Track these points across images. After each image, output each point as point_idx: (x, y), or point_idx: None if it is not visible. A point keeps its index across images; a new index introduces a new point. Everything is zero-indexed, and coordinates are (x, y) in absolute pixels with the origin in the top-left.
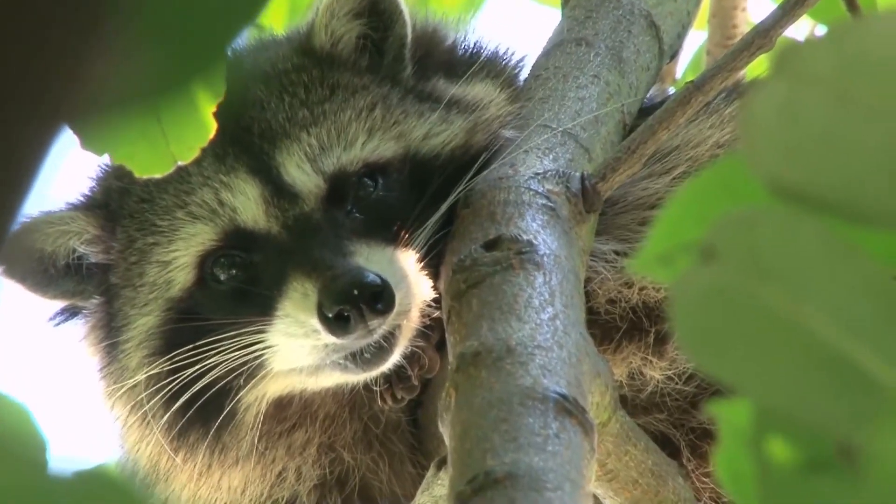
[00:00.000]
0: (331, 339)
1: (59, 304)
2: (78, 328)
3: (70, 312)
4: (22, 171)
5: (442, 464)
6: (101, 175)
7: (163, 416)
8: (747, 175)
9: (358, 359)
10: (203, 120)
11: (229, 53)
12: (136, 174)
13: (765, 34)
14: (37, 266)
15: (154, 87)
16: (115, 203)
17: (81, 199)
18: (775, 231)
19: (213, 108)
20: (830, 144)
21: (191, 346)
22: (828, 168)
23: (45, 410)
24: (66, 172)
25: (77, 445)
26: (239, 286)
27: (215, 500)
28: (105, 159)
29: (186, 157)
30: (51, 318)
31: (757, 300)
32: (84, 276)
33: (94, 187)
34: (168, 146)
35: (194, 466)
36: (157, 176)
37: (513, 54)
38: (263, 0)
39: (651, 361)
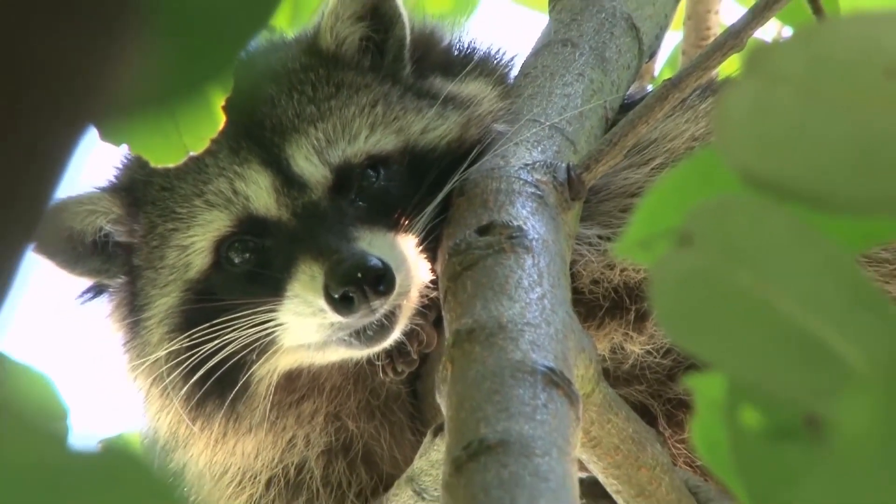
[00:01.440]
0: (336, 317)
1: (85, 282)
2: (103, 305)
3: (96, 290)
4: (53, 161)
5: (438, 431)
6: (125, 164)
7: (182, 388)
8: (721, 166)
9: (361, 336)
10: (213, 113)
11: (242, 54)
12: (152, 163)
13: (736, 36)
14: (66, 243)
15: (171, 87)
16: (139, 190)
17: (108, 182)
18: (747, 218)
19: (222, 103)
20: (798, 138)
21: (207, 323)
22: (795, 160)
23: (69, 381)
24: (91, 160)
25: (100, 415)
26: (251, 269)
27: (230, 465)
28: (123, 149)
29: (198, 147)
30: (78, 296)
31: (730, 282)
32: (109, 255)
33: (119, 174)
34: (181, 138)
35: (211, 434)
36: (171, 165)
37: (504, 54)
38: (273, 7)
39: (631, 337)
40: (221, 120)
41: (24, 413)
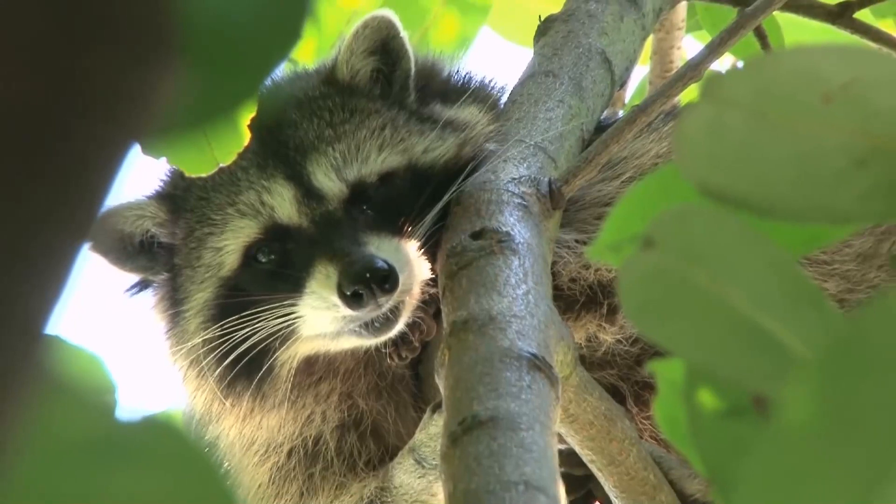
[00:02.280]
0: (348, 312)
1: (133, 278)
2: (148, 298)
3: (142, 285)
4: (104, 171)
5: (437, 408)
6: (169, 176)
7: (215, 371)
8: (680, 180)
9: (370, 327)
10: (239, 131)
11: (269, 83)
12: (186, 173)
13: (695, 68)
14: (117, 243)
15: (202, 110)
16: (180, 199)
17: (154, 191)
18: (703, 224)
19: (247, 122)
20: (746, 155)
21: (237, 315)
22: (745, 174)
23: (119, 362)
24: (136, 172)
25: (146, 394)
26: (275, 269)
27: (257, 437)
28: (163, 162)
29: (226, 160)
30: (127, 290)
31: (688, 280)
32: (154, 255)
33: (163, 185)
34: (212, 152)
35: (240, 410)
36: (204, 175)
37: (494, 84)
38: (291, 44)
39: (604, 328)
40: (247, 137)
41: (75, 387)
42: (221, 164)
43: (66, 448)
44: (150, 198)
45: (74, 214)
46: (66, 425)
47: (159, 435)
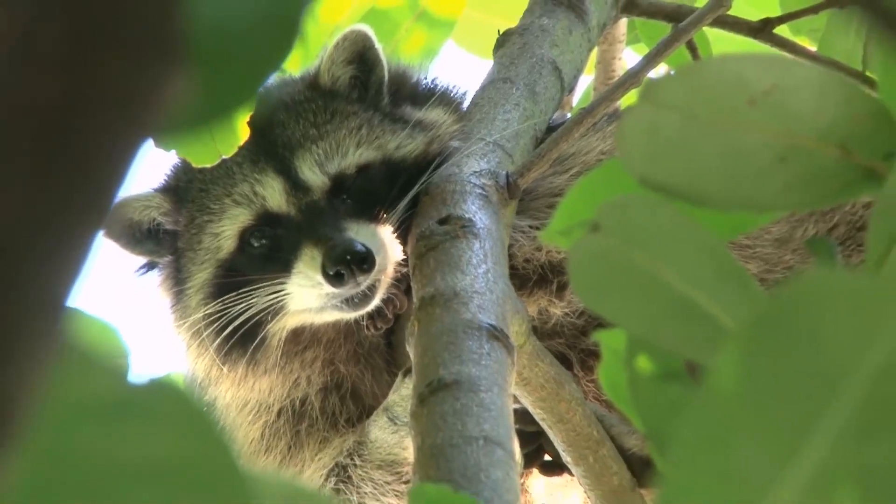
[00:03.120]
0: (331, 289)
1: (142, 260)
2: (155, 278)
3: (150, 266)
4: (120, 165)
5: (407, 373)
6: (172, 171)
7: (214, 341)
8: (623, 172)
9: (350, 302)
10: (239, 127)
11: (262, 88)
12: (194, 164)
13: (634, 76)
14: (128, 230)
15: (205, 109)
16: (183, 191)
17: (160, 184)
18: (643, 212)
19: (246, 119)
20: (681, 152)
21: (233, 292)
22: (679, 168)
23: (131, 332)
24: (146, 163)
25: (153, 360)
26: (267, 252)
27: (250, 399)
28: (172, 154)
29: (228, 152)
30: (137, 270)
31: (629, 261)
32: (160, 240)
33: (168, 178)
34: (215, 146)
35: (235, 375)
36: (208, 166)
37: (457, 89)
38: (286, 52)
39: (554, 302)
40: (246, 132)
41: (90, 352)
42: (224, 157)
43: (83, 406)
44: (156, 190)
45: (93, 203)
46: (83, 386)
47: (165, 395)
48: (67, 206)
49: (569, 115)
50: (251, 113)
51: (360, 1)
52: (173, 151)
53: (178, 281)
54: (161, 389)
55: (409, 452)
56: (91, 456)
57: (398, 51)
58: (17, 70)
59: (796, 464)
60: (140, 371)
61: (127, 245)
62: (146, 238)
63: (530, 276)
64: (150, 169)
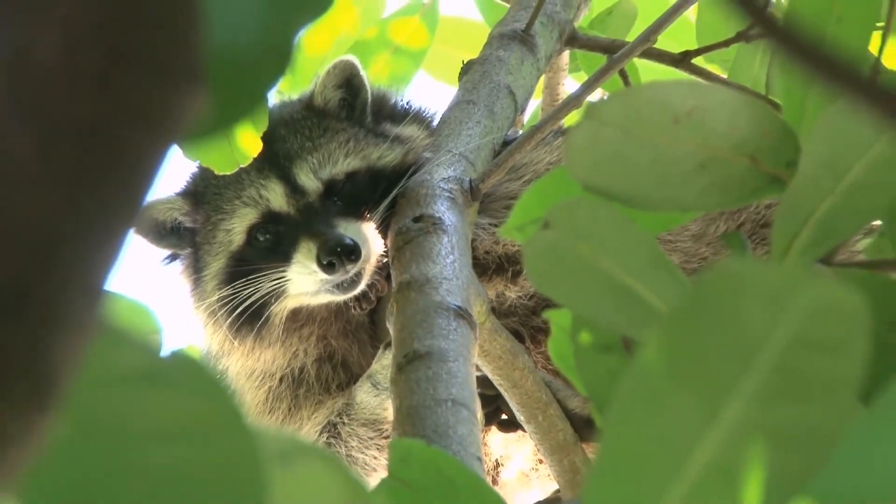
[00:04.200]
0: (324, 276)
1: (166, 252)
2: (177, 267)
3: (173, 257)
4: (149, 172)
5: (387, 346)
6: (191, 178)
7: (226, 319)
8: (569, 179)
9: (340, 287)
10: (255, 141)
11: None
12: (216, 171)
13: (576, 99)
14: (154, 228)
15: (215, 123)
16: (200, 194)
17: (181, 189)
18: (586, 212)
19: (260, 135)
20: (617, 161)
21: (242, 279)
22: (616, 175)
23: (164, 314)
24: (173, 170)
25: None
26: (270, 245)
27: (256, 368)
28: (196, 163)
29: (244, 162)
30: (162, 260)
31: (575, 252)
32: (181, 235)
33: (188, 184)
34: (234, 155)
35: (244, 348)
36: (227, 173)
37: (429, 110)
38: (280, 74)
39: (509, 287)
40: (259, 146)
41: (126, 329)
42: (241, 165)
43: (115, 375)
44: (177, 194)
45: (125, 205)
46: (116, 358)
47: (185, 366)
48: (104, 207)
49: (521, 131)
50: (263, 131)
51: (344, 35)
52: (198, 161)
53: (196, 269)
54: (182, 360)
55: (389, 413)
56: (122, 418)
57: (379, 77)
58: (62, 89)
59: (716, 424)
60: (171, 344)
61: (153, 240)
62: (170, 234)
63: (490, 265)
64: (174, 173)
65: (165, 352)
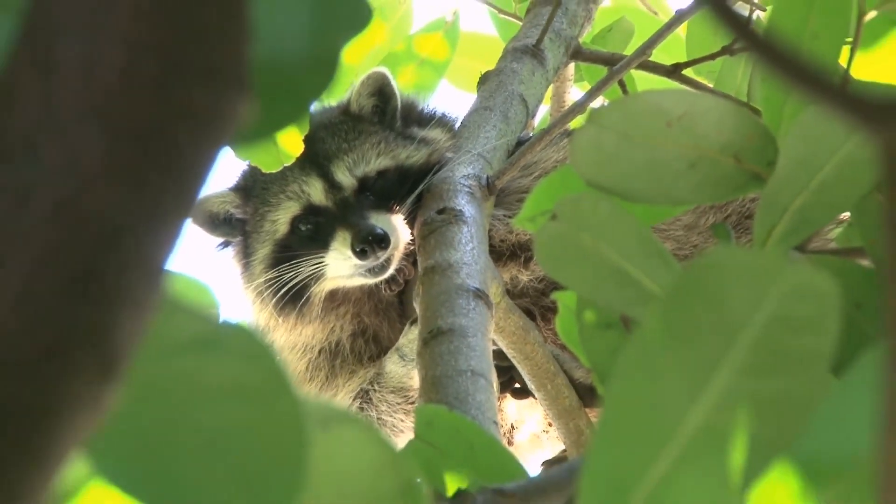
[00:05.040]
0: (358, 262)
1: (220, 240)
2: (230, 252)
3: (226, 244)
4: (202, 169)
5: (414, 322)
6: (242, 174)
7: (272, 299)
8: (574, 176)
9: (372, 271)
10: (297, 143)
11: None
12: (264, 170)
13: (580, 106)
14: (209, 219)
15: (263, 128)
16: (250, 189)
17: (233, 184)
18: (589, 205)
19: (302, 137)
20: (617, 160)
21: (287, 263)
22: (616, 172)
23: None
24: (224, 168)
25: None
26: (311, 234)
27: (298, 342)
28: (246, 162)
29: (288, 162)
30: (216, 246)
31: (579, 241)
32: (233, 225)
33: (238, 180)
34: (279, 155)
35: (287, 324)
36: (273, 171)
37: (451, 114)
38: (328, 84)
39: (522, 271)
40: (301, 147)
41: (188, 304)
42: (285, 164)
43: (177, 343)
44: (229, 189)
45: (182, 198)
46: (181, 330)
47: (239, 335)
48: (162, 200)
49: (532, 133)
50: (304, 135)
51: (376, 49)
52: (247, 160)
53: (246, 255)
54: (235, 330)
55: (415, 381)
56: (181, 381)
57: (407, 86)
58: (125, 97)
59: (705, 393)
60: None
61: (208, 229)
62: (222, 224)
63: (504, 252)
64: (227, 170)
65: (223, 323)
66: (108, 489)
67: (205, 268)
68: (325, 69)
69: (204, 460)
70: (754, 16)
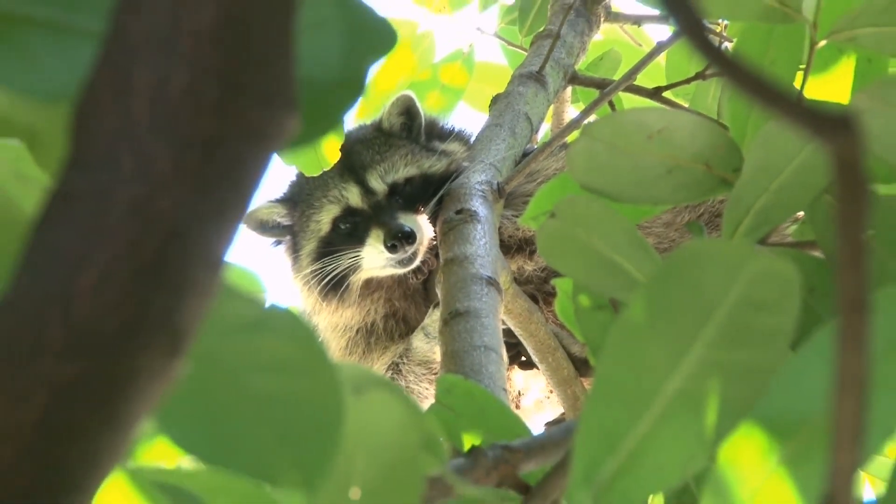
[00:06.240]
0: (389, 255)
1: (271, 240)
2: (281, 249)
3: (277, 242)
4: (254, 177)
5: (436, 305)
6: (288, 186)
7: (317, 287)
8: (571, 181)
9: (401, 263)
10: (334, 150)
11: (347, 131)
12: (306, 174)
13: (576, 123)
14: (259, 224)
15: (301, 138)
16: (296, 196)
17: (279, 196)
18: (584, 205)
19: (339, 146)
20: (607, 167)
21: (329, 257)
22: (606, 178)
23: (268, 279)
24: (274, 174)
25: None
26: (349, 232)
27: (338, 323)
28: (293, 168)
29: (327, 166)
30: (271, 244)
31: (575, 236)
32: (280, 230)
33: (285, 192)
34: (320, 161)
35: (330, 308)
36: (314, 180)
37: (467, 131)
38: (354, 101)
39: (527, 262)
40: (337, 155)
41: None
42: (324, 169)
43: (231, 324)
44: (275, 201)
45: (237, 202)
46: (233, 313)
47: (285, 317)
48: (221, 202)
49: (535, 146)
50: (340, 143)
51: (404, 76)
52: (293, 165)
53: (294, 250)
54: (281, 313)
55: (437, 355)
56: (236, 356)
57: (430, 107)
58: (189, 113)
59: (682, 363)
60: (272, 302)
61: (259, 233)
62: (271, 229)
63: (512, 246)
64: (276, 174)
65: (271, 307)
66: (173, 448)
67: (255, 260)
68: (354, 86)
69: (254, 424)
70: (723, 46)
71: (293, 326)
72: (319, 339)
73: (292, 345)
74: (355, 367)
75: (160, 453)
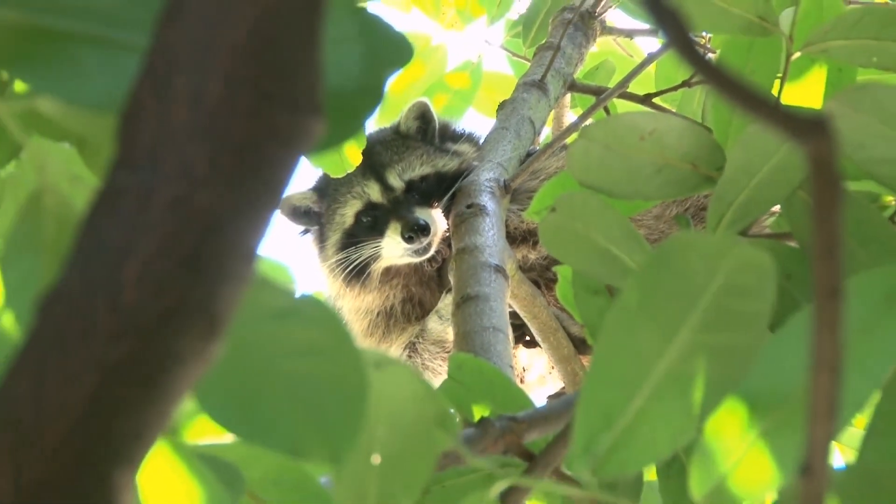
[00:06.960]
0: (406, 245)
1: (301, 228)
2: (309, 238)
3: (306, 231)
4: (285, 175)
5: (449, 291)
6: (318, 178)
7: (341, 274)
8: (570, 179)
9: (417, 252)
10: (356, 153)
11: (369, 134)
12: (330, 174)
13: (575, 126)
14: (293, 212)
15: (326, 142)
16: (325, 189)
17: (312, 185)
18: (582, 201)
19: (360, 150)
20: (602, 166)
21: (352, 247)
22: (602, 175)
23: (296, 269)
24: (302, 173)
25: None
26: (371, 224)
27: (360, 307)
28: (319, 168)
29: (350, 168)
30: (299, 233)
31: (573, 228)
32: (311, 216)
33: (317, 182)
34: (343, 163)
35: (353, 294)
36: (339, 176)
37: (477, 133)
38: (374, 108)
39: (531, 251)
40: (360, 158)
41: (273, 280)
42: (348, 170)
43: (263, 312)
44: (310, 189)
45: (269, 197)
46: (265, 302)
47: (312, 305)
48: (253, 199)
49: (538, 147)
50: (362, 147)
51: (419, 84)
52: (319, 167)
53: (321, 240)
54: (309, 301)
55: (450, 336)
56: (268, 341)
57: (443, 111)
58: (225, 119)
59: (671, 344)
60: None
61: (292, 219)
62: (303, 215)
63: (517, 237)
64: (304, 174)
65: (299, 295)
66: (211, 424)
67: (285, 252)
68: (374, 95)
69: (286, 402)
70: (707, 57)
71: (321, 314)
72: (345, 326)
73: (320, 331)
74: (375, 350)
75: (203, 430)
